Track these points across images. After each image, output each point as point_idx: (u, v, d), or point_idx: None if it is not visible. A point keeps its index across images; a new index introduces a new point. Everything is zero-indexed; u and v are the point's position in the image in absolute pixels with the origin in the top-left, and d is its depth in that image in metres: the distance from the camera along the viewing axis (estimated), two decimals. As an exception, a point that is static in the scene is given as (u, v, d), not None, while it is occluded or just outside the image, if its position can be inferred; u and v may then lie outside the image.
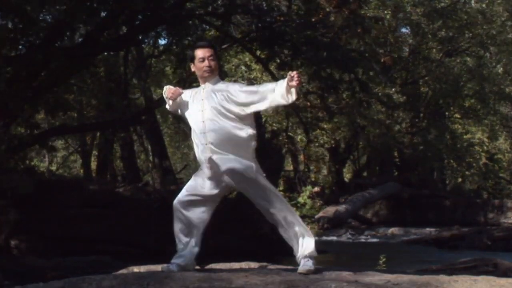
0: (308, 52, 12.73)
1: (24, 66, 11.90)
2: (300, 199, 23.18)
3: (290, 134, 23.13)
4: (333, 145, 24.44)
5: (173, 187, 15.03)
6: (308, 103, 17.84)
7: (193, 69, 4.47)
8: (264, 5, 13.21)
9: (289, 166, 28.20)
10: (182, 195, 4.36)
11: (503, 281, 3.90)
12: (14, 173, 11.73)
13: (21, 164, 13.07)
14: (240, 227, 12.29)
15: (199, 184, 4.34)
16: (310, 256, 4.19)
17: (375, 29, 18.33)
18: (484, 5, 22.08)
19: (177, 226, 4.34)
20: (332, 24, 13.69)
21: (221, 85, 4.38)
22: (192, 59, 4.43)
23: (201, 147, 4.31)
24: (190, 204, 4.32)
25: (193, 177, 4.42)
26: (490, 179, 28.60)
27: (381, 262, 9.13)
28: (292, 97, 4.13)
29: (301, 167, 27.79)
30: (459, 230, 15.86)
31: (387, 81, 19.08)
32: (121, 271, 5.00)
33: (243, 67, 20.52)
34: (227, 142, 4.22)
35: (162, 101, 4.60)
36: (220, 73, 4.65)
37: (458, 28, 22.46)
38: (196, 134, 4.34)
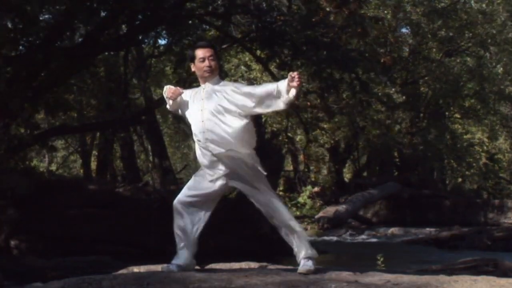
0: (308, 52, 12.73)
1: (24, 66, 11.90)
2: (300, 199, 23.20)
3: (290, 134, 23.13)
4: (333, 145, 24.45)
5: (173, 187, 15.02)
6: (308, 103, 17.84)
7: (193, 69, 4.47)
8: (264, 5, 13.19)
9: (289, 166, 28.22)
10: (182, 195, 4.36)
11: (503, 281, 3.90)
12: (14, 173, 11.73)
13: (21, 164, 13.07)
14: (240, 227, 12.28)
15: (199, 184, 4.34)
16: (310, 257, 4.20)
17: (375, 29, 18.33)
18: (484, 5, 22.07)
19: (177, 226, 4.34)
20: (333, 24, 13.68)
21: (221, 85, 4.38)
22: (192, 59, 4.43)
23: (201, 147, 4.31)
24: (190, 204, 4.32)
25: (193, 177, 4.43)
26: (490, 179, 28.61)
27: (379, 262, 9.13)
28: (293, 98, 4.13)
29: (301, 167, 27.81)
30: (459, 230, 15.86)
31: (387, 81, 19.09)
32: (121, 271, 5.00)
33: (243, 67, 20.53)
34: (227, 142, 4.22)
35: (162, 101, 4.61)
36: (220, 73, 4.66)
37: (458, 28, 22.45)
38: (196, 134, 4.34)
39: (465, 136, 26.64)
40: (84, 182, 16.24)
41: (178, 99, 4.46)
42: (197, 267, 4.42)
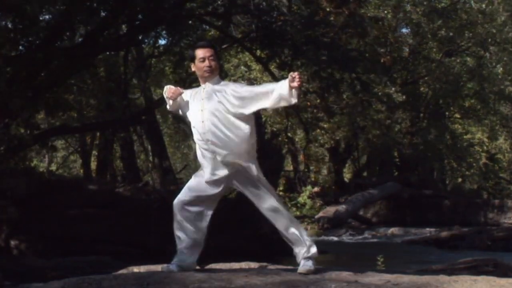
0: (308, 52, 12.73)
1: (24, 66, 11.90)
2: (300, 199, 23.19)
3: (289, 134, 23.13)
4: (333, 145, 24.45)
5: (173, 187, 15.02)
6: (308, 103, 17.84)
7: (193, 69, 4.47)
8: (264, 4, 13.19)
9: (289, 166, 28.22)
10: (182, 195, 4.36)
11: (503, 281, 3.89)
12: (14, 173, 11.73)
13: (21, 164, 13.08)
14: (240, 227, 12.28)
15: (199, 184, 4.34)
16: (310, 257, 4.20)
17: (375, 29, 18.33)
18: (484, 5, 22.06)
19: (177, 226, 4.34)
20: (333, 24, 13.68)
21: (222, 85, 4.38)
22: (193, 59, 4.43)
23: (201, 147, 4.31)
24: (190, 204, 4.32)
25: (193, 177, 4.42)
26: (490, 179, 28.62)
27: (379, 262, 9.13)
28: (294, 98, 4.13)
29: (301, 167, 27.81)
30: (459, 230, 15.86)
31: (387, 81, 19.09)
32: (121, 271, 5.00)
33: (242, 67, 20.53)
34: (228, 142, 4.22)
35: (162, 101, 4.61)
36: (221, 73, 4.66)
37: (458, 28, 22.45)
38: (196, 134, 4.34)
39: (465, 136, 26.65)
40: (84, 182, 16.23)
41: (178, 99, 4.46)
42: (197, 267, 4.41)
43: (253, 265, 5.36)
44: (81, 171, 25.74)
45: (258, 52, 14.66)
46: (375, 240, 17.14)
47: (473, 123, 26.98)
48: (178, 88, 4.50)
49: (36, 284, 3.99)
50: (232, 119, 4.24)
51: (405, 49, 23.80)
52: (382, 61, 18.64)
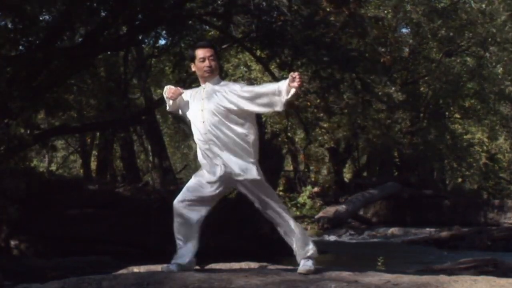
0: (308, 52, 12.73)
1: (24, 66, 11.90)
2: (300, 199, 23.20)
3: (289, 135, 23.13)
4: (333, 145, 24.45)
5: (173, 187, 15.02)
6: (308, 103, 17.84)
7: (193, 69, 4.47)
8: (264, 4, 13.19)
9: (289, 166, 28.21)
10: (182, 195, 4.35)
11: (503, 281, 3.89)
12: (14, 173, 11.73)
13: (21, 164, 13.07)
14: (240, 227, 12.29)
15: (199, 184, 4.34)
16: (310, 257, 4.20)
17: (375, 29, 18.33)
18: (483, 5, 22.06)
19: (177, 226, 4.34)
20: (333, 24, 13.69)
21: (222, 85, 4.37)
22: (193, 59, 4.43)
23: (202, 147, 4.31)
24: (190, 204, 4.32)
25: (193, 177, 4.42)
26: (490, 179, 28.62)
27: (379, 262, 9.13)
28: (294, 98, 4.13)
29: (301, 167, 27.81)
30: (459, 230, 15.86)
31: (387, 81, 19.08)
32: (121, 271, 5.00)
33: (242, 67, 20.53)
34: (228, 142, 4.22)
35: (162, 101, 4.61)
36: (221, 73, 4.65)
37: (458, 28, 22.45)
38: (197, 134, 4.34)
39: (465, 136, 26.66)
40: (84, 182, 16.25)
41: (178, 99, 4.46)
42: (197, 267, 4.41)
43: (253, 265, 5.35)
44: (81, 171, 25.74)
45: (258, 52, 14.65)
46: (375, 240, 17.15)
47: (473, 123, 26.99)
48: (178, 88, 4.50)
49: (36, 284, 3.99)
50: (233, 119, 4.24)
51: (405, 49, 23.80)
52: (382, 60, 18.64)
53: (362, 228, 19.58)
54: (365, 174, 27.04)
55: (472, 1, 22.58)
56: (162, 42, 16.13)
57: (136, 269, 5.11)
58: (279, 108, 4.22)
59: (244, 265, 5.36)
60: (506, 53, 23.04)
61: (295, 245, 4.25)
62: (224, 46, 15.00)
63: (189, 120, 4.43)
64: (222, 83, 4.43)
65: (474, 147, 26.88)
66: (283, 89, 4.13)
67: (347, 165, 28.78)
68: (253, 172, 4.22)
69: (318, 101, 17.42)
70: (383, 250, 11.51)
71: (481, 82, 23.28)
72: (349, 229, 18.82)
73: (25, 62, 11.92)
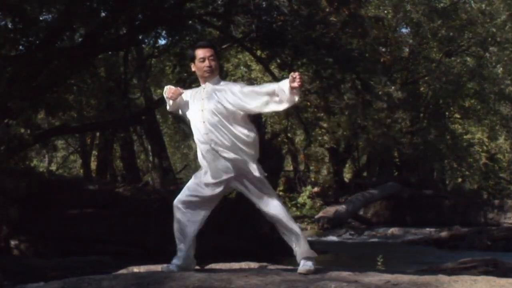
0: (308, 52, 12.72)
1: (24, 66, 11.91)
2: (300, 199, 23.20)
3: (289, 135, 23.13)
4: (333, 145, 24.45)
5: (173, 187, 15.03)
6: (308, 103, 17.84)
7: (193, 69, 4.46)
8: (264, 4, 13.19)
9: (289, 166, 28.21)
10: (182, 195, 4.35)
11: (503, 281, 3.89)
12: (14, 173, 11.74)
13: (21, 164, 13.08)
14: (240, 227, 12.29)
15: (199, 184, 4.33)
16: (310, 257, 4.20)
17: (375, 29, 18.33)
18: (483, 5, 22.07)
19: (177, 226, 4.34)
20: (333, 24, 13.68)
21: (222, 85, 4.37)
22: (193, 59, 4.42)
23: (202, 147, 4.30)
24: (190, 204, 4.32)
25: (193, 177, 4.42)
26: (490, 179, 28.61)
27: (379, 262, 9.12)
28: (294, 98, 4.12)
29: (301, 167, 27.81)
30: (459, 230, 15.87)
31: (387, 81, 19.07)
32: (121, 271, 5.00)
33: (242, 67, 20.53)
34: (228, 142, 4.21)
35: (162, 101, 4.61)
36: (221, 73, 4.65)
37: (458, 28, 22.46)
38: (197, 134, 4.33)
39: (465, 136, 26.66)
40: (84, 182, 16.24)
41: (178, 99, 4.46)
42: (197, 267, 4.41)
43: (253, 265, 5.35)
44: (81, 171, 25.74)
45: (259, 53, 14.65)
46: (375, 240, 17.15)
47: (473, 123, 26.99)
48: (178, 88, 4.50)
49: (36, 284, 3.99)
50: (233, 119, 4.24)
51: (405, 49, 23.81)
52: (382, 60, 18.65)
53: (362, 228, 19.58)
54: (365, 174, 27.04)
55: (472, 1, 22.58)
56: (162, 42, 16.16)
57: (136, 269, 5.10)
58: (279, 108, 4.21)
59: (244, 265, 5.36)
60: (506, 53, 23.05)
61: (295, 245, 4.25)
62: (224, 46, 15.00)
63: (189, 120, 4.43)
64: (222, 83, 4.43)
65: (474, 147, 26.89)
66: (283, 89, 4.12)
67: (347, 165, 28.78)
68: (254, 172, 4.22)
69: (318, 101, 17.43)
70: (383, 250, 11.49)
71: (481, 82, 23.29)
72: (349, 229, 18.83)
73: (25, 62, 11.92)
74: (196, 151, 4.50)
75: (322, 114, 19.50)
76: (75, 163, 30.43)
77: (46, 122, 18.70)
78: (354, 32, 14.76)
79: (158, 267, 4.53)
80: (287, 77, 4.11)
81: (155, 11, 12.12)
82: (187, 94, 4.46)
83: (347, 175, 29.12)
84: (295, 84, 4.04)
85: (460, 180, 29.10)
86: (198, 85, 4.49)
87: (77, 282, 3.86)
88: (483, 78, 23.10)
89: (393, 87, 18.81)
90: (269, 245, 11.18)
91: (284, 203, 4.46)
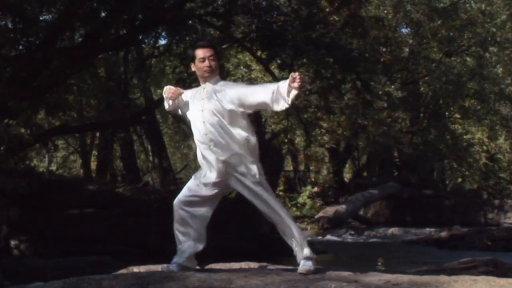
0: (309, 52, 12.72)
1: (24, 66, 11.90)
2: (300, 199, 23.21)
3: (289, 136, 23.12)
4: (333, 145, 24.45)
5: (173, 187, 15.02)
6: (309, 103, 17.84)
7: (193, 68, 4.46)
8: (264, 4, 13.19)
9: (289, 166, 28.22)
10: (182, 195, 4.35)
11: (503, 281, 3.89)
12: (14, 173, 11.74)
13: (21, 164, 13.08)
14: (240, 227, 12.29)
15: (199, 184, 4.33)
16: (310, 257, 4.20)
17: (375, 29, 18.33)
18: (483, 5, 22.07)
19: (177, 226, 4.34)
20: (333, 23, 13.69)
21: (222, 85, 4.37)
22: (193, 59, 4.42)
23: (202, 147, 4.30)
24: (190, 204, 4.32)
25: (193, 177, 4.42)
26: (490, 179, 28.61)
27: (379, 262, 9.13)
28: (291, 98, 4.11)
29: (301, 167, 27.81)
30: (459, 230, 15.86)
31: (387, 81, 19.08)
32: (121, 271, 5.00)
33: (242, 68, 20.53)
34: (229, 142, 4.21)
35: (162, 101, 4.59)
36: (221, 73, 4.65)
37: (458, 28, 22.46)
38: (197, 135, 4.33)
39: (465, 136, 26.66)
40: (84, 182, 16.23)
41: (178, 99, 4.46)
42: (197, 267, 4.41)
43: (253, 265, 5.35)
44: (81, 171, 25.73)
45: (259, 53, 14.65)
46: (375, 240, 17.14)
47: (473, 123, 26.99)
48: (178, 88, 4.50)
49: (36, 284, 3.98)
50: (233, 119, 4.23)
51: (405, 49, 23.80)
52: (382, 60, 18.65)
53: (362, 228, 19.58)
54: (365, 174, 27.05)
55: (472, 1, 22.59)
56: (162, 42, 16.16)
57: (136, 269, 5.10)
58: (278, 107, 4.20)
59: (244, 265, 5.36)
60: (506, 53, 23.05)
61: (294, 245, 4.25)
62: (224, 46, 15.00)
63: (189, 120, 4.43)
64: (222, 83, 4.43)
65: (474, 147, 26.89)
66: (283, 89, 4.12)
67: (347, 165, 28.78)
68: (253, 173, 4.21)
69: (318, 101, 17.42)
70: (383, 250, 11.51)
71: (481, 82, 23.29)
72: (349, 229, 18.82)
73: (25, 62, 11.92)
74: (196, 151, 4.50)
75: (322, 114, 19.50)
76: (75, 163, 30.42)
77: (46, 122, 18.69)
78: (354, 32, 14.75)
79: (158, 267, 4.53)
80: (287, 77, 4.11)
81: (155, 11, 12.11)
82: (187, 94, 4.46)
83: (347, 175, 29.12)
84: (295, 85, 4.04)
85: (460, 180, 29.10)
86: (198, 85, 4.49)
87: (77, 282, 3.86)
88: (483, 78, 23.10)
89: (392, 86, 18.84)
90: (269, 245, 11.17)
91: (284, 203, 4.46)
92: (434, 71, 22.84)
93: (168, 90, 4.47)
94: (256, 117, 15.57)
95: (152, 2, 11.86)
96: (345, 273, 4.11)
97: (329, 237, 17.33)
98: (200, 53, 4.37)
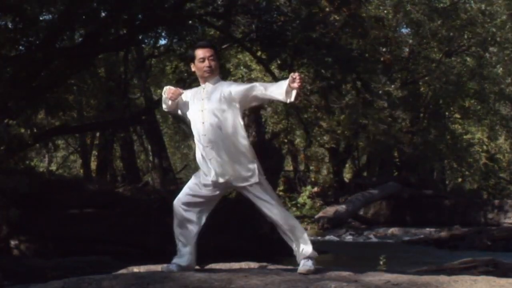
0: (309, 52, 12.72)
1: (24, 66, 11.90)
2: (300, 199, 23.20)
3: (289, 137, 23.12)
4: (333, 145, 24.45)
5: (173, 187, 15.02)
6: (309, 103, 17.84)
7: (193, 69, 4.46)
8: (264, 4, 13.18)
9: (289, 166, 28.22)
10: (182, 195, 4.35)
11: (503, 281, 3.89)
12: (14, 173, 11.73)
13: (21, 164, 13.07)
14: (240, 227, 12.29)
15: (199, 184, 4.34)
16: (310, 257, 4.20)
17: (375, 29, 18.33)
18: (483, 5, 22.07)
19: (177, 226, 4.34)
20: (333, 23, 13.68)
21: (222, 85, 4.37)
22: (193, 59, 4.42)
23: (201, 148, 4.30)
24: (190, 204, 4.32)
25: (193, 178, 4.42)
26: (490, 179, 28.61)
27: (381, 262, 9.12)
28: (291, 98, 4.11)
29: (301, 167, 27.81)
30: (459, 230, 15.86)
31: (387, 81, 19.08)
32: (121, 271, 5.00)
33: (242, 68, 20.52)
34: (228, 143, 4.21)
35: (162, 101, 4.58)
36: (221, 73, 4.65)
37: (458, 28, 22.46)
38: (197, 135, 4.33)
39: (465, 136, 26.65)
40: (84, 182, 16.23)
41: (178, 99, 4.45)
42: (197, 267, 4.41)
43: (253, 265, 5.35)
44: (81, 171, 25.73)
45: (259, 53, 14.65)
46: (375, 240, 17.14)
47: (473, 123, 26.99)
48: (178, 88, 4.49)
49: (36, 284, 3.99)
50: (233, 119, 4.24)
51: (405, 49, 23.80)
52: (382, 60, 18.64)
53: (362, 228, 19.58)
54: (365, 174, 27.05)
55: (472, 1, 22.58)
56: (162, 42, 16.16)
57: (136, 269, 5.10)
58: (279, 97, 4.18)
59: (244, 265, 5.36)
60: (506, 53, 23.05)
61: (295, 245, 4.25)
62: (224, 46, 15.00)
63: (189, 121, 4.43)
64: (222, 83, 4.43)
65: (474, 147, 26.88)
66: (282, 87, 4.12)
67: (347, 165, 28.78)
68: (253, 173, 4.21)
69: (319, 100, 17.42)
70: (383, 250, 11.48)
71: (481, 82, 23.29)
72: (349, 229, 18.82)
73: (25, 62, 11.91)
74: (195, 151, 4.50)
75: (322, 114, 19.49)
76: (75, 163, 30.42)
77: (46, 122, 18.68)
78: (354, 32, 14.75)
79: (158, 267, 4.54)
80: (287, 77, 4.11)
81: (155, 11, 12.10)
82: (187, 95, 4.46)
83: (347, 175, 29.12)
84: (295, 85, 4.04)
85: (460, 180, 29.10)
86: (198, 85, 4.49)
87: (77, 282, 3.86)
88: (483, 78, 23.10)
89: (392, 86, 18.83)
90: (269, 245, 11.17)
91: (284, 203, 4.46)
92: (434, 71, 22.84)
93: (168, 90, 4.46)
94: (256, 117, 15.57)
95: (152, 2, 11.85)
96: (345, 273, 4.11)
97: (329, 237, 17.33)
98: (200, 53, 4.37)
